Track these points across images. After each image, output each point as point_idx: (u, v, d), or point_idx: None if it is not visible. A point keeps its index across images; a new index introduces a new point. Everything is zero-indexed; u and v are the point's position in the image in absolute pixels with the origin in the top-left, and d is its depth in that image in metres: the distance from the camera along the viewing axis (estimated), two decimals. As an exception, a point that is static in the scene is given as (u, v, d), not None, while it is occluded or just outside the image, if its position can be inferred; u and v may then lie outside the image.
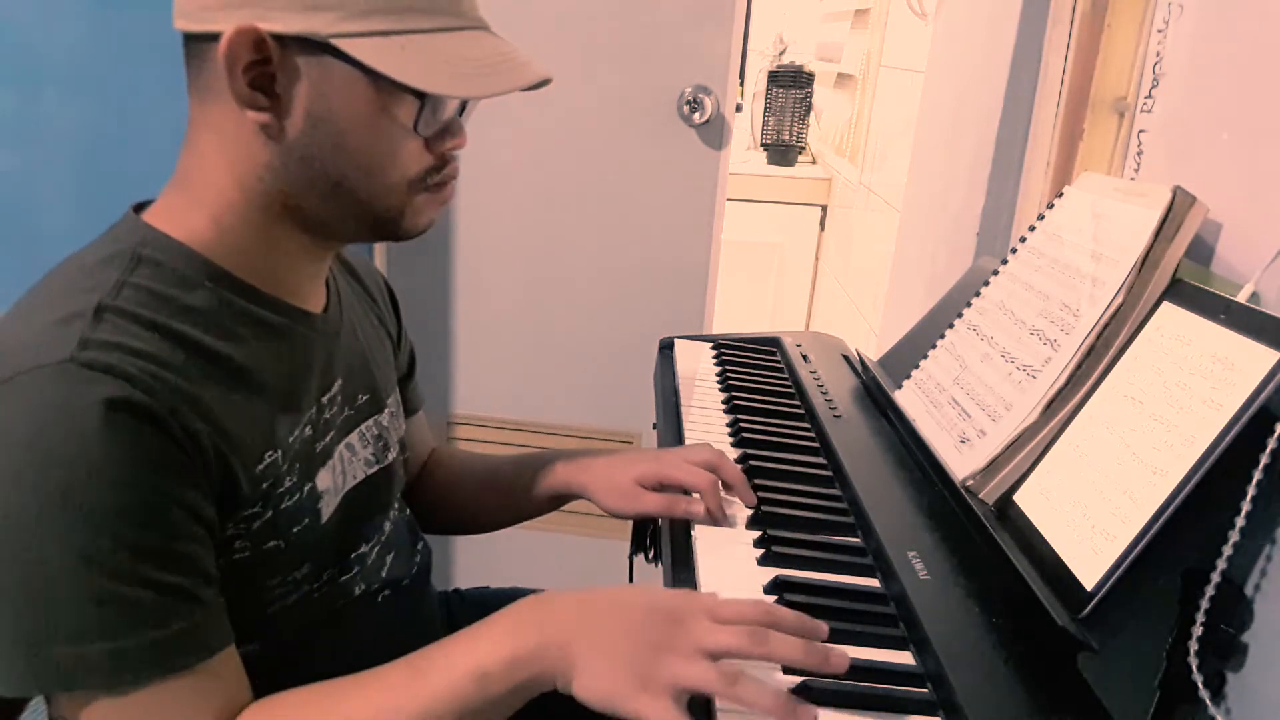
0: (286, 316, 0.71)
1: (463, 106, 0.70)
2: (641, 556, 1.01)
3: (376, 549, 0.81)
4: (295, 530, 0.70)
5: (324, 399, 0.75)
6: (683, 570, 0.76)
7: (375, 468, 0.81)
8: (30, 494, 0.55)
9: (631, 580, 1.07)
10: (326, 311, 0.77)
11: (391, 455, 0.84)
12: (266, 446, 0.67)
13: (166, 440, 0.58)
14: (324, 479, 0.74)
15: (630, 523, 0.99)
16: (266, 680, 0.70)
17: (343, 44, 0.62)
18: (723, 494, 0.84)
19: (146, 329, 0.61)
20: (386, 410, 0.84)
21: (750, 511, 0.83)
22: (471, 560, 1.79)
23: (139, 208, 0.70)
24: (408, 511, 0.91)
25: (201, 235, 0.67)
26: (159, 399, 0.58)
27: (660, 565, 0.85)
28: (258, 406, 0.67)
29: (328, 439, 0.75)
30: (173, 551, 0.59)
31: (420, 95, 0.65)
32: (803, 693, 0.61)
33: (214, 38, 0.62)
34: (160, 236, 0.66)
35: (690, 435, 0.99)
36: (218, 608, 0.62)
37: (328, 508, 0.74)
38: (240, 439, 0.64)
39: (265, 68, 0.62)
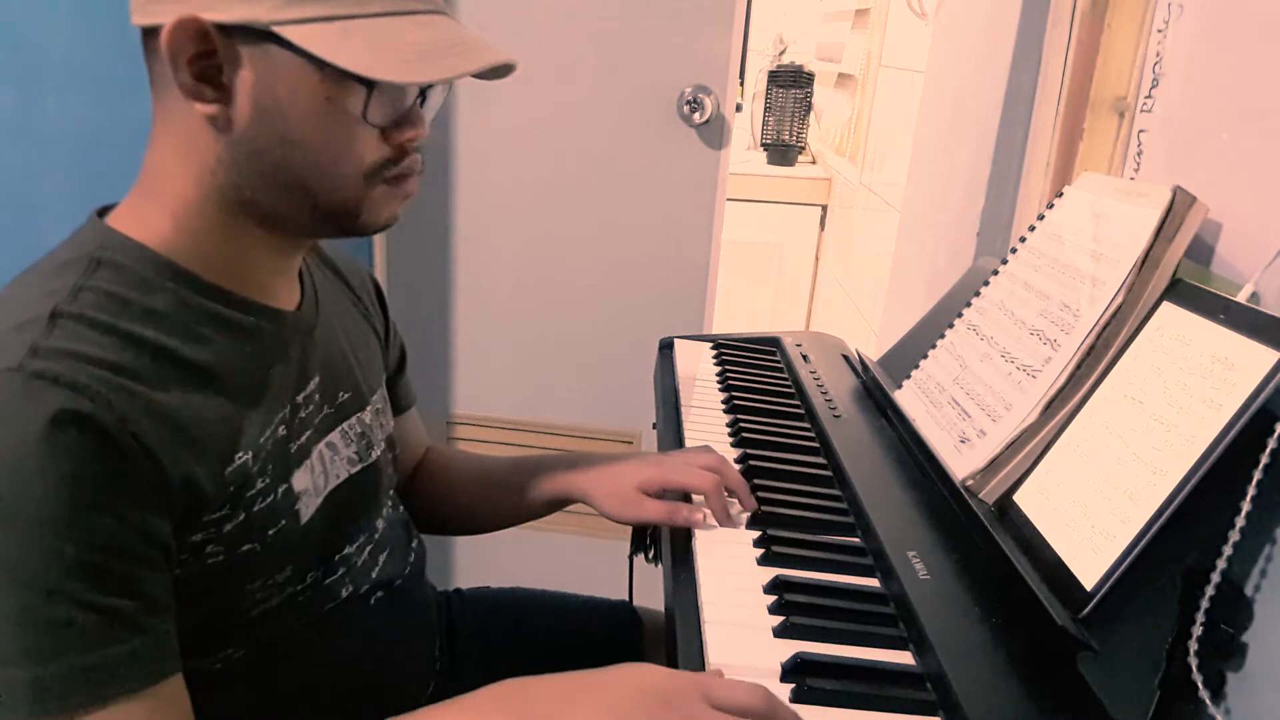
0: (254, 315, 0.69)
1: (423, 97, 0.67)
2: (641, 557, 1.01)
3: (367, 549, 0.79)
4: (271, 532, 0.68)
5: (299, 398, 0.73)
6: (682, 571, 0.76)
7: (359, 466, 0.79)
8: None
9: (631, 580, 1.07)
10: (300, 309, 0.75)
11: (376, 453, 0.82)
12: (235, 449, 0.65)
13: (114, 454, 0.56)
14: (301, 479, 0.72)
15: (630, 522, 0.99)
16: (253, 685, 0.69)
17: (284, 31, 0.60)
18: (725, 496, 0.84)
19: (103, 334, 0.59)
20: (370, 408, 0.82)
21: (750, 512, 0.83)
22: (471, 560, 1.79)
23: (103, 211, 0.68)
24: (402, 510, 0.89)
25: (162, 235, 0.65)
26: (109, 409, 0.56)
27: (660, 565, 0.85)
28: (224, 408, 0.65)
29: (304, 438, 0.73)
30: (112, 571, 0.55)
31: (367, 83, 0.62)
32: (803, 692, 0.61)
33: (160, 30, 0.60)
34: (120, 238, 0.65)
35: (690, 435, 0.99)
36: (162, 637, 0.58)
37: (307, 508, 0.72)
38: (205, 442, 0.63)
39: (211, 60, 0.61)
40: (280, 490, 0.69)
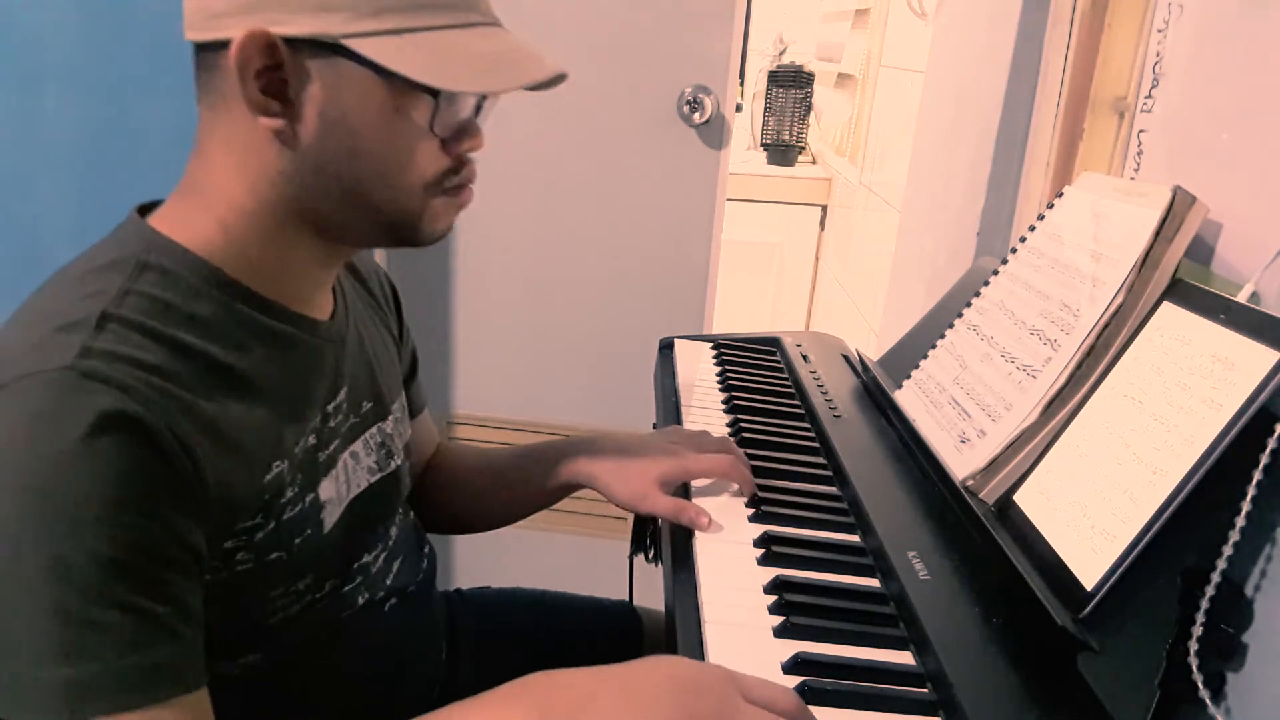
0: (293, 325, 0.70)
1: (479, 107, 0.68)
2: (641, 557, 1.01)
3: (382, 556, 0.80)
4: (297, 541, 0.68)
5: (329, 407, 0.73)
6: (682, 571, 0.76)
7: (379, 475, 0.79)
8: (9, 496, 0.53)
9: (631, 580, 1.07)
10: (333, 318, 0.75)
11: (396, 462, 0.82)
12: (274, 457, 0.66)
13: (158, 457, 0.56)
14: (327, 488, 0.72)
15: (630, 522, 0.99)
16: (269, 690, 0.69)
17: (354, 44, 0.61)
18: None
19: (150, 339, 0.60)
20: (391, 417, 0.82)
21: (750, 511, 0.84)
22: (472, 560, 1.79)
23: (144, 210, 0.68)
24: (412, 515, 0.89)
25: (209, 241, 0.65)
26: (156, 412, 0.56)
27: (660, 565, 0.85)
28: (264, 417, 0.65)
29: (331, 448, 0.73)
30: (150, 575, 0.56)
31: (434, 93, 0.64)
32: (803, 692, 0.61)
33: (224, 45, 0.61)
34: (167, 242, 0.65)
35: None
36: (193, 645, 0.58)
37: (330, 517, 0.72)
38: (245, 451, 0.63)
39: (277, 73, 0.61)
40: (308, 499, 0.69)
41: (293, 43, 0.61)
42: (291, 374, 0.69)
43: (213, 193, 0.66)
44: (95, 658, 0.53)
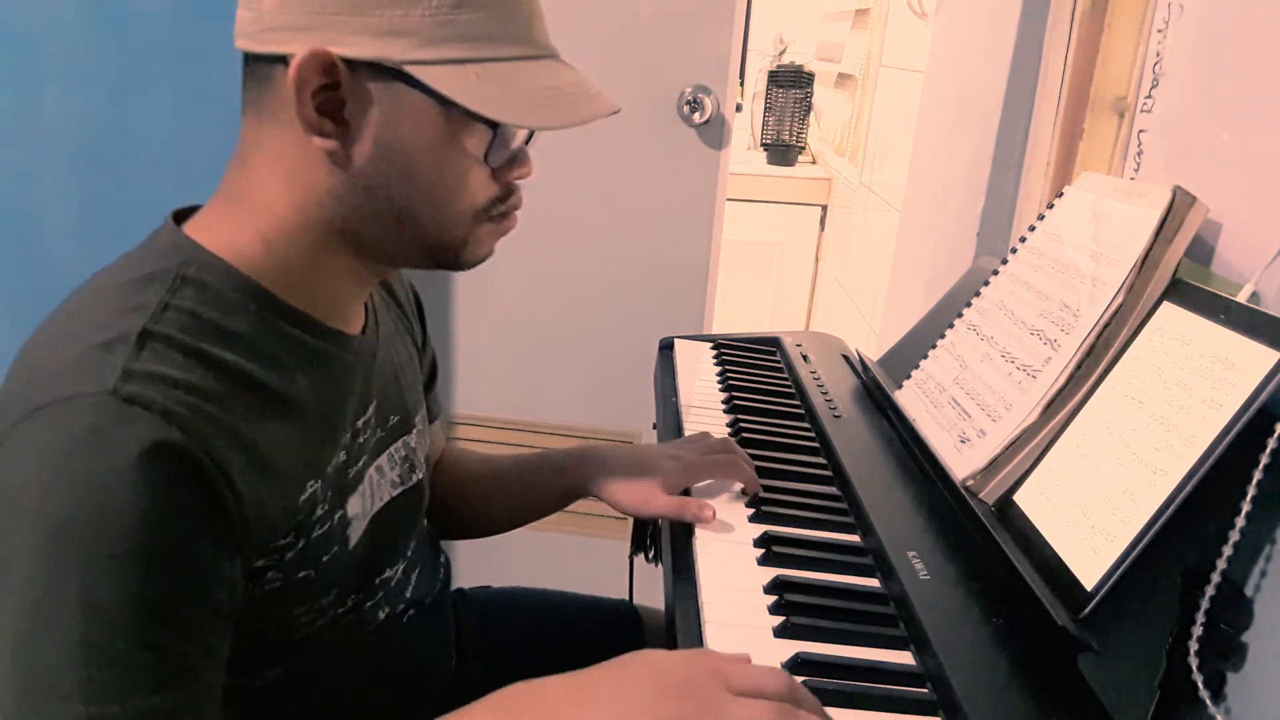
0: (327, 341, 0.68)
1: (530, 135, 0.68)
2: (641, 556, 1.01)
3: (402, 569, 0.79)
4: (325, 559, 0.67)
5: (359, 423, 0.72)
6: (682, 571, 0.76)
7: (401, 489, 0.78)
8: (44, 524, 0.52)
9: (631, 580, 1.07)
10: (364, 333, 0.74)
11: (418, 475, 0.81)
12: (308, 477, 0.65)
13: (198, 488, 0.55)
14: (354, 504, 0.71)
15: (630, 522, 0.99)
16: (292, 701, 0.69)
17: (417, 71, 0.60)
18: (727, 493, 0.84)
19: (189, 357, 0.58)
20: (415, 430, 0.82)
21: (750, 511, 0.84)
22: (472, 560, 1.79)
23: (179, 217, 0.67)
24: (427, 525, 0.89)
25: (248, 255, 0.64)
26: (197, 438, 0.55)
27: (660, 565, 0.85)
28: (300, 436, 0.65)
29: (360, 464, 0.72)
30: (181, 615, 0.55)
31: (493, 125, 0.63)
32: (803, 693, 0.61)
33: (279, 59, 0.60)
34: (205, 255, 0.63)
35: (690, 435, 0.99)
36: (213, 686, 0.58)
37: (356, 533, 0.71)
38: (281, 472, 0.62)
39: (334, 92, 0.60)
40: (337, 516, 0.69)
41: (353, 64, 0.60)
42: (326, 392, 0.68)
43: (255, 204, 0.65)
44: (117, 699, 0.52)
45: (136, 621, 0.53)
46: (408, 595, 0.80)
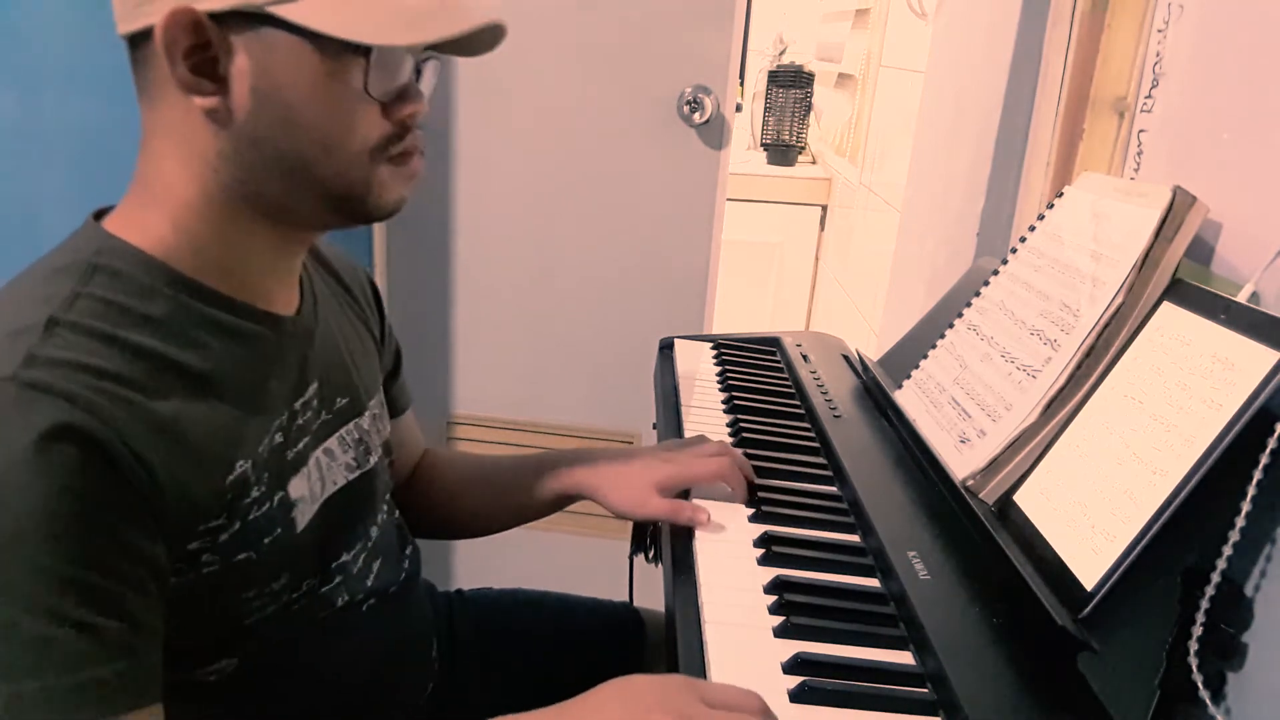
0: (253, 321, 0.68)
1: (418, 71, 0.67)
2: (641, 557, 1.01)
3: (362, 556, 0.79)
4: (268, 540, 0.67)
5: (297, 404, 0.72)
6: (682, 571, 0.76)
7: (356, 473, 0.78)
8: None
9: (631, 580, 1.07)
10: (299, 313, 0.74)
11: (374, 459, 0.81)
12: (236, 456, 0.65)
13: (107, 469, 0.55)
14: (298, 487, 0.71)
15: (630, 523, 0.99)
16: (249, 695, 0.68)
17: (279, 10, 0.59)
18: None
19: (101, 342, 0.59)
20: (368, 413, 0.82)
21: (750, 511, 0.84)
22: (472, 560, 1.79)
23: (99, 215, 0.67)
24: (397, 515, 0.89)
25: (161, 240, 0.65)
26: (104, 421, 0.55)
27: (660, 565, 0.85)
28: (223, 416, 0.64)
29: (301, 445, 0.72)
30: (98, 590, 0.54)
31: (366, 53, 0.62)
32: (803, 692, 0.61)
33: (152, 32, 0.60)
34: (118, 243, 0.64)
35: (690, 435, 0.99)
36: (144, 661, 0.57)
37: (303, 516, 0.71)
38: (204, 452, 0.62)
39: (206, 51, 0.60)
40: (276, 498, 0.69)
41: (218, 17, 0.60)
42: (253, 371, 0.68)
43: (160, 189, 0.65)
44: (36, 675, 0.52)
45: (53, 600, 0.53)
46: (369, 584, 0.79)
